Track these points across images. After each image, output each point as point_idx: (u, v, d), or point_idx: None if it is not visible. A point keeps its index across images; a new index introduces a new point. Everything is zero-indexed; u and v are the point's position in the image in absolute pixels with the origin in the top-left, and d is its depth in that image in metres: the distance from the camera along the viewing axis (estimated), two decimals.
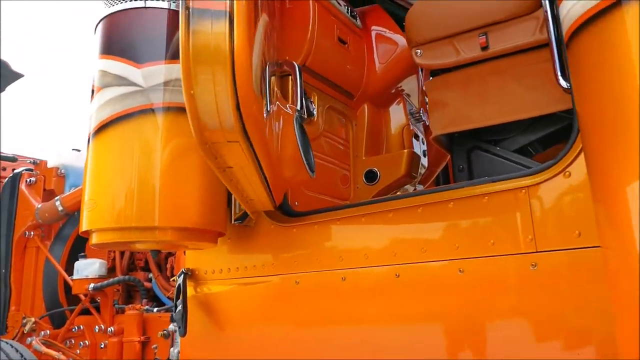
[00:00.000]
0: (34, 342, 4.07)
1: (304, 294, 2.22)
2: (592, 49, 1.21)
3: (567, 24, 1.28)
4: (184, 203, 2.15)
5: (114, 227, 2.13)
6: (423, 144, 3.61)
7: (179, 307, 2.53)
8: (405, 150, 3.07)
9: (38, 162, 5.58)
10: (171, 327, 3.48)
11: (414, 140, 3.43)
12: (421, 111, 3.60)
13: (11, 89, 5.96)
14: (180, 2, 1.10)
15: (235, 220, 2.40)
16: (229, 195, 2.31)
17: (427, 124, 3.50)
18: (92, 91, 2.34)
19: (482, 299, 1.77)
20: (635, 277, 1.08)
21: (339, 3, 2.97)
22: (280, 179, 2.01)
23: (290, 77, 2.54)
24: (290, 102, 2.46)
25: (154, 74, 2.16)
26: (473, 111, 2.26)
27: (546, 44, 2.07)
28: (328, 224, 2.21)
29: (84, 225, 2.18)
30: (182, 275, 2.63)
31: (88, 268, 4.07)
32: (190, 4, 1.09)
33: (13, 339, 4.34)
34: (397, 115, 3.45)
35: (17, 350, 3.82)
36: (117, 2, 2.35)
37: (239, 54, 1.07)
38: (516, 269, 1.67)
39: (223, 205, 2.31)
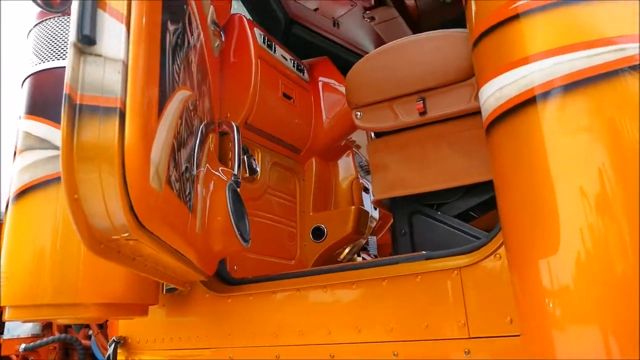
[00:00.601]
0: None
1: None
2: (507, 142, 1.17)
3: (484, 113, 1.25)
4: (108, 276, 2.00)
5: (28, 305, 1.96)
6: (374, 195, 3.56)
7: None
8: (353, 207, 3.00)
9: None
10: None
11: (363, 193, 3.39)
12: None
13: None
14: (64, 99, 1.01)
15: (166, 290, 2.26)
16: None
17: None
18: (15, 152, 2.20)
19: None
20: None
21: (284, 58, 2.93)
22: (210, 252, 1.90)
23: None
24: (229, 163, 2.38)
25: None
26: (413, 176, 2.22)
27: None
28: (264, 296, 2.10)
29: None
30: (113, 345, 2.46)
31: (19, 327, 3.80)
32: (77, 98, 1.01)
33: None
34: (346, 168, 3.40)
35: None
36: (45, 59, 2.24)
37: (130, 151, 0.98)
38: (450, 355, 1.60)
39: None
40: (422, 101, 2.15)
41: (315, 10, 4.05)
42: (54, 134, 2.08)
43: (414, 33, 4.46)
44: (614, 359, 0.97)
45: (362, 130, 3.56)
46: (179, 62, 1.40)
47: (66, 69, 1.02)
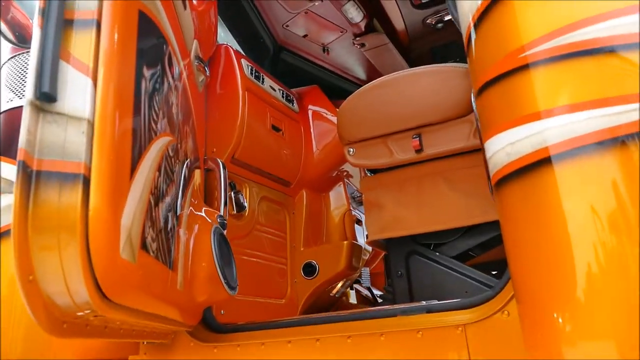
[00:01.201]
0: None
1: None
2: (520, 200, 1.06)
3: (492, 166, 1.14)
4: None
5: None
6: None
7: None
8: (345, 242, 2.88)
9: None
10: None
11: (356, 226, 3.27)
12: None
13: None
14: (17, 167, 0.89)
15: (147, 341, 2.11)
16: None
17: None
18: None
19: None
20: None
21: (273, 88, 2.83)
22: (193, 304, 1.76)
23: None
24: (215, 203, 2.25)
25: None
26: (409, 216, 2.11)
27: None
28: (251, 347, 1.96)
29: None
30: None
31: None
32: (34, 164, 0.88)
33: None
34: (337, 199, 3.29)
35: None
36: (19, 95, 2.11)
37: (96, 219, 0.86)
38: None
39: None
40: (418, 138, 2.05)
41: (305, 36, 3.98)
42: None
43: (404, 59, 4.41)
44: None
45: None
46: (156, 109, 1.28)
47: (21, 131, 0.90)
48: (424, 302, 1.73)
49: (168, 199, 1.42)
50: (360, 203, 3.40)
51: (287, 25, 3.80)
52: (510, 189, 1.06)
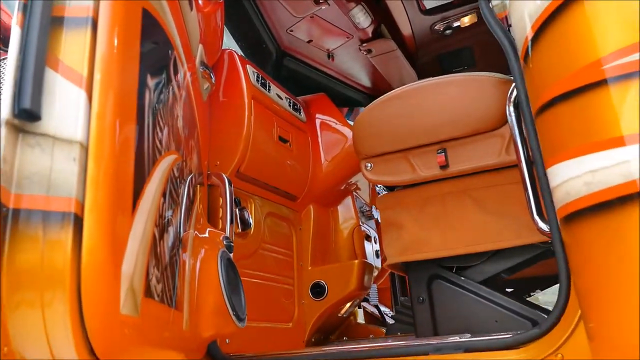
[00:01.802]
0: None
1: None
2: (603, 238, 0.89)
3: (562, 196, 0.96)
4: None
5: None
6: (375, 243, 3.27)
7: None
8: (356, 262, 2.69)
9: None
10: None
11: (365, 242, 3.09)
12: (373, 208, 3.27)
13: None
14: None
15: None
16: None
17: (379, 220, 3.17)
18: None
19: None
20: None
21: (279, 97, 2.65)
22: (199, 340, 1.57)
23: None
24: (220, 223, 2.07)
25: None
26: (432, 237, 1.93)
27: (514, 165, 1.79)
28: None
29: None
30: None
31: None
32: (10, 201, 0.69)
33: None
34: (346, 214, 3.10)
35: None
36: None
37: (91, 272, 0.67)
38: None
39: None
40: (443, 153, 1.88)
41: (309, 42, 3.81)
42: None
43: (412, 66, 4.25)
44: None
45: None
46: (161, 123, 1.10)
47: None
48: (457, 337, 1.55)
49: (173, 227, 1.23)
50: (369, 218, 3.22)
51: (292, 30, 3.63)
52: (589, 224, 0.89)
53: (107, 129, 0.75)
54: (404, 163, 1.96)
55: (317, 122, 2.96)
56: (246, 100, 2.34)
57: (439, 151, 1.89)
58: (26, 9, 0.74)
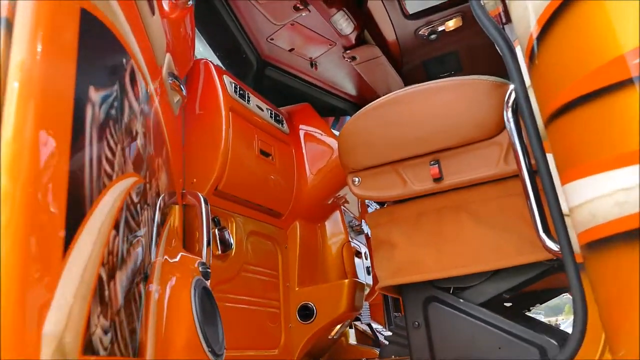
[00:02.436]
0: None
1: None
2: (634, 272, 0.74)
3: (586, 220, 0.81)
4: None
5: None
6: (366, 259, 3.11)
7: None
8: (346, 281, 2.53)
9: None
10: None
11: (355, 259, 2.93)
12: (362, 222, 3.12)
13: None
14: None
15: None
16: None
17: (370, 235, 3.02)
18: None
19: None
20: None
21: (260, 108, 2.49)
22: None
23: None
24: (196, 246, 1.90)
25: None
26: (426, 257, 1.78)
27: (514, 175, 1.65)
28: None
29: None
30: None
31: None
32: None
33: None
34: (334, 229, 2.95)
35: None
36: None
37: None
38: None
39: None
40: (436, 164, 1.73)
41: (291, 50, 3.67)
42: None
43: (397, 72, 4.13)
44: None
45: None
46: (113, 143, 0.94)
47: None
48: None
49: (133, 260, 1.06)
50: (358, 233, 3.07)
51: (272, 39, 3.49)
52: (623, 253, 0.74)
53: (24, 153, 0.59)
54: (394, 176, 1.81)
55: (301, 133, 2.81)
56: (223, 113, 2.18)
57: (432, 162, 1.74)
58: None
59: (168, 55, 1.60)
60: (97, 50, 0.89)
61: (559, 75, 0.87)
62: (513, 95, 1.50)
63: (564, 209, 1.18)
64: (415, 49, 4.31)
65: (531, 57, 0.97)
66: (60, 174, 0.68)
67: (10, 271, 0.56)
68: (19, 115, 0.62)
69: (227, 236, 2.22)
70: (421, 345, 1.82)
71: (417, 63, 4.42)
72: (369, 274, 3.05)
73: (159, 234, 1.45)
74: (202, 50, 3.11)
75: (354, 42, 3.64)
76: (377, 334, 3.39)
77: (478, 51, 4.14)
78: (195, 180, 2.11)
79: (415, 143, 1.75)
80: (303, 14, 3.23)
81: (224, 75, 2.28)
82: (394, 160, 1.81)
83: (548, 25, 0.90)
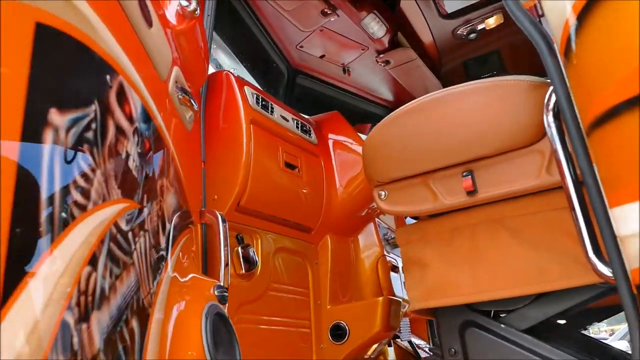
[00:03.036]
0: None
1: None
2: None
3: (633, 262, 0.65)
4: None
5: None
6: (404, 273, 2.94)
7: None
8: (381, 299, 2.38)
9: None
10: None
11: (391, 273, 2.77)
12: None
13: None
14: None
15: None
16: None
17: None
18: None
19: None
20: None
21: (285, 119, 2.39)
22: None
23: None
24: (216, 269, 1.81)
25: None
26: (462, 278, 1.61)
27: (559, 187, 1.47)
28: None
29: None
30: None
31: None
32: None
33: None
34: (368, 243, 2.80)
35: None
36: None
37: None
38: None
39: None
40: (469, 176, 1.57)
41: (322, 57, 3.57)
42: None
43: (435, 75, 3.95)
44: None
45: None
46: (88, 169, 0.85)
47: None
48: None
49: (118, 297, 0.97)
50: (395, 246, 2.91)
51: (302, 46, 3.40)
52: None
53: None
54: (423, 189, 1.66)
55: (330, 143, 2.69)
56: (244, 125, 2.09)
57: (465, 174, 1.58)
58: None
59: (176, 69, 1.52)
60: (63, 68, 0.80)
61: (601, 74, 0.71)
62: (553, 98, 1.32)
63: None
64: (454, 50, 4.11)
65: (567, 53, 0.81)
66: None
67: None
68: None
69: (251, 254, 2.13)
70: None
71: (456, 64, 4.22)
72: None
73: (164, 260, 1.36)
74: (229, 62, 3.05)
75: (387, 45, 3.50)
76: (419, 350, 3.21)
77: (522, 49, 3.90)
78: (216, 196, 2.03)
79: (445, 152, 1.59)
80: (332, 19, 3.12)
81: (246, 87, 2.19)
82: (423, 172, 1.66)
83: (585, 12, 0.74)
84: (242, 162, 2.04)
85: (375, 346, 2.62)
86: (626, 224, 0.66)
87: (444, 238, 1.67)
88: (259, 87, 3.14)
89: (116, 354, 0.93)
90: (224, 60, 3.05)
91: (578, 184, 1.28)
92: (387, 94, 4.25)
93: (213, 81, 2.22)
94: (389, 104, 4.34)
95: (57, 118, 0.76)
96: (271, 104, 2.31)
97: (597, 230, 1.20)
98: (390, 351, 3.06)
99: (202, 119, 2.06)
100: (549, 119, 1.32)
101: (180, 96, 1.55)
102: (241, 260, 2.06)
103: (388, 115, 1.74)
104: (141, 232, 1.12)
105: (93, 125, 0.89)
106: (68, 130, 0.79)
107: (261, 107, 2.22)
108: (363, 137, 2.84)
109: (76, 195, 0.80)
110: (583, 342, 1.89)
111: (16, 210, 0.63)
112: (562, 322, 2.03)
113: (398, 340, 3.21)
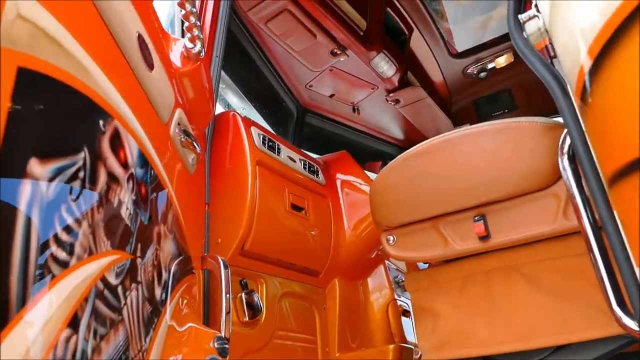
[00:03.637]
0: None
1: None
2: None
3: None
4: None
5: None
6: None
7: None
8: (392, 347, 2.27)
9: None
10: None
11: (402, 318, 2.66)
12: None
13: None
14: None
15: None
16: None
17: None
18: None
19: None
20: None
21: (292, 159, 2.35)
22: None
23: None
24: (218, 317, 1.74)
25: None
26: (476, 328, 1.52)
27: (576, 232, 1.39)
28: None
29: None
30: None
31: None
32: None
33: None
34: (378, 286, 2.71)
35: None
36: None
37: None
38: None
39: None
40: (482, 220, 1.49)
41: (331, 96, 3.56)
42: None
43: (446, 114, 3.92)
44: None
45: None
46: (72, 221, 0.80)
47: None
48: None
49: (106, 358, 0.90)
50: (405, 289, 2.80)
51: (311, 85, 3.40)
52: None
53: None
54: (433, 234, 1.59)
55: (338, 183, 2.64)
56: (249, 167, 2.05)
57: (477, 218, 1.51)
58: None
59: (179, 111, 1.49)
60: (48, 115, 0.76)
61: (620, 121, 0.65)
62: (568, 141, 1.26)
63: None
64: (465, 88, 4.10)
65: (583, 96, 0.75)
66: None
67: None
68: None
69: (255, 300, 2.05)
70: None
71: (467, 103, 4.20)
72: None
73: (159, 312, 1.29)
74: (237, 102, 3.05)
75: (397, 84, 3.49)
76: None
77: (533, 88, 3.87)
78: (220, 240, 1.97)
79: (456, 196, 1.53)
80: (341, 59, 3.12)
81: (252, 127, 2.16)
82: (433, 216, 1.59)
83: (604, 53, 0.69)
84: (247, 205, 1.99)
85: None
86: None
87: (456, 285, 1.58)
88: (267, 126, 3.13)
89: None
90: (232, 99, 3.05)
91: (597, 229, 1.21)
92: (397, 132, 4.22)
93: (220, 121, 2.20)
94: (400, 143, 4.30)
95: (41, 168, 0.72)
96: (278, 145, 2.27)
97: (619, 279, 1.13)
98: None
99: (207, 160, 2.02)
100: (564, 163, 1.26)
101: (182, 139, 1.52)
102: (245, 306, 1.98)
103: (396, 157, 1.69)
104: (133, 285, 1.06)
105: (81, 174, 0.84)
106: (51, 180, 0.75)
107: (267, 148, 2.18)
108: (373, 176, 2.79)
109: (56, 251, 0.75)
110: None
111: None
112: None
113: None
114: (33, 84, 0.72)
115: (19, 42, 0.70)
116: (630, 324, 1.06)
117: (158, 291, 1.24)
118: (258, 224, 2.00)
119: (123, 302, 0.99)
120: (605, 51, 0.68)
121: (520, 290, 1.48)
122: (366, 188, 2.64)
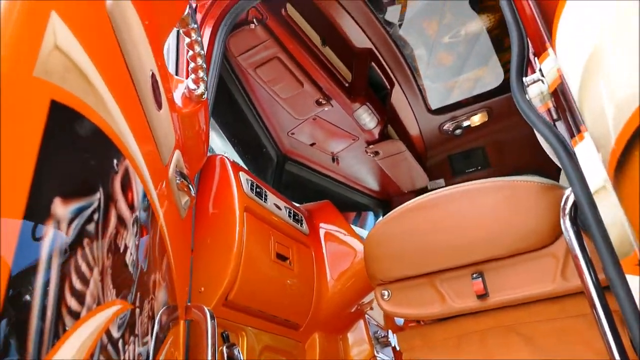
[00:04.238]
0: None
1: None
2: None
3: None
4: None
5: None
6: None
7: None
8: None
9: None
10: None
11: None
12: (389, 332, 2.79)
13: None
14: None
15: None
16: None
17: (397, 348, 2.68)
18: None
19: None
20: None
21: (277, 207, 2.30)
22: None
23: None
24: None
25: None
26: None
27: (576, 293, 1.39)
28: None
29: None
30: None
31: None
32: None
33: None
34: (358, 341, 2.63)
35: None
36: None
37: None
38: None
39: None
40: (480, 278, 1.48)
41: (312, 145, 3.57)
42: None
43: (422, 168, 3.98)
44: None
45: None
46: (86, 268, 0.73)
47: None
48: None
49: None
50: (385, 345, 2.74)
51: (293, 133, 3.40)
52: None
53: None
54: (430, 291, 1.56)
55: (322, 233, 2.59)
56: (237, 213, 1.99)
57: (475, 276, 1.49)
58: None
59: (177, 153, 1.44)
60: (73, 151, 0.71)
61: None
62: (570, 201, 1.28)
63: None
64: (440, 144, 4.20)
65: (616, 173, 0.76)
66: None
67: None
68: None
69: (236, 354, 1.94)
70: None
71: (442, 157, 4.28)
72: None
73: None
74: (220, 144, 3.01)
75: (377, 136, 3.53)
76: None
77: (505, 146, 4.00)
78: (203, 289, 1.88)
79: (454, 252, 1.52)
80: (325, 109, 3.15)
81: (241, 172, 2.12)
82: (430, 272, 1.57)
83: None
84: (234, 252, 1.92)
85: None
86: None
87: (450, 345, 1.55)
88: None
89: None
90: (216, 142, 3.01)
91: (600, 289, 1.21)
92: (373, 184, 4.24)
93: (206, 165, 2.15)
94: (376, 194, 4.33)
95: (61, 209, 0.66)
96: (265, 191, 2.23)
97: (624, 340, 1.12)
98: None
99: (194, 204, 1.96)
100: (567, 224, 1.27)
101: (178, 181, 1.46)
102: None
103: (392, 211, 1.67)
104: (131, 339, 0.98)
105: (95, 216, 0.78)
106: (70, 222, 0.69)
107: (255, 195, 2.14)
108: (355, 228, 2.77)
109: (71, 302, 0.68)
110: None
111: (5, 322, 0.51)
112: None
113: None
114: (63, 118, 0.67)
115: (54, 74, 0.65)
116: None
117: (151, 345, 1.15)
118: (244, 273, 1.93)
119: (123, 356, 0.91)
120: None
121: (519, 351, 1.46)
122: (349, 239, 2.61)
